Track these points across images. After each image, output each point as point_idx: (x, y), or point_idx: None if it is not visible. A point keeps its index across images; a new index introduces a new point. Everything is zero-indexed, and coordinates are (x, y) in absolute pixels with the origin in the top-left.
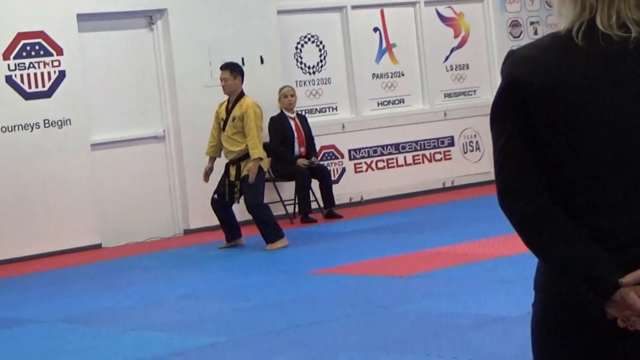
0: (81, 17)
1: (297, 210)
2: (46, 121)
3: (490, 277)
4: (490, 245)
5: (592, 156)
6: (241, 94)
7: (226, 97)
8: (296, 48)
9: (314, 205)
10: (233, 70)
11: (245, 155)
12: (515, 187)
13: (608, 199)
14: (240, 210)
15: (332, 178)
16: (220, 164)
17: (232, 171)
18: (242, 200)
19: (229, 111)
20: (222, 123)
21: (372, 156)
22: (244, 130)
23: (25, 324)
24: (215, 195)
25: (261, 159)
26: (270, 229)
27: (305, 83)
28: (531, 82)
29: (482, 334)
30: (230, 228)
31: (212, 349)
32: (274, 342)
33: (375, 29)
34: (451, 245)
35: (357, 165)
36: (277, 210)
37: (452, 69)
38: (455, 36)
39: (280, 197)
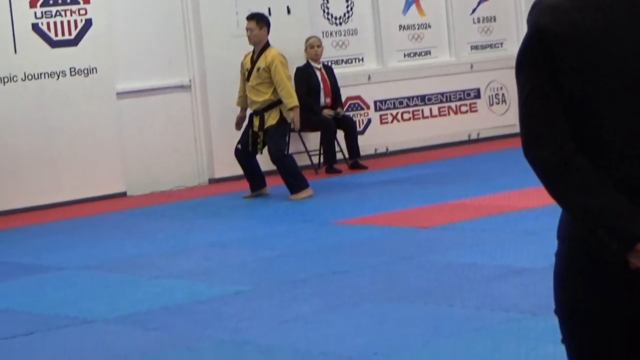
0: None
1: (322, 160)
2: (72, 69)
3: (514, 229)
4: (514, 197)
5: (620, 104)
6: (266, 45)
7: (252, 48)
8: None
9: (339, 155)
10: (259, 20)
11: (270, 106)
12: (540, 136)
13: (637, 147)
14: (265, 160)
15: (358, 129)
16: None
17: (256, 122)
18: (266, 150)
19: (253, 62)
20: (246, 74)
21: (398, 107)
22: (270, 80)
23: (49, 270)
24: (239, 145)
25: (297, 106)
26: (294, 179)
27: (331, 34)
28: (557, 31)
29: (506, 285)
30: (254, 178)
31: (236, 297)
32: (298, 291)
33: None
34: (476, 197)
35: (383, 117)
36: (302, 160)
37: (479, 21)
38: None
39: (306, 148)
